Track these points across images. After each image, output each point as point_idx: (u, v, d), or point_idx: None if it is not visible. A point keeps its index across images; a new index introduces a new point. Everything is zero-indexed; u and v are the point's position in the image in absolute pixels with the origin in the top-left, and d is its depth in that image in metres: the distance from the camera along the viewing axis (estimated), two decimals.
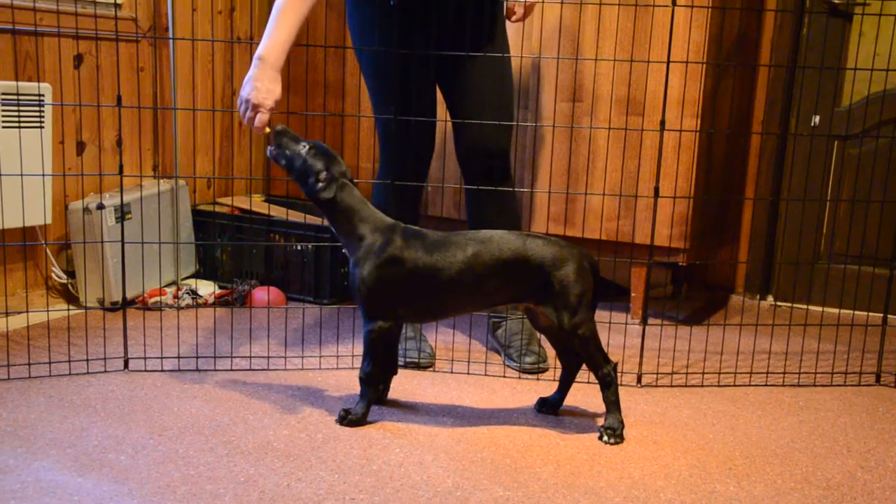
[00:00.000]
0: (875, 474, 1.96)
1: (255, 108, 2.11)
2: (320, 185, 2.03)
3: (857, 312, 2.77)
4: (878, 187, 3.20)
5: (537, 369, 2.49)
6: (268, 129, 2.15)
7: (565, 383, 2.21)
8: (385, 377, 2.21)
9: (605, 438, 2.06)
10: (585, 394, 2.33)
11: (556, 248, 2.03)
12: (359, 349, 2.11)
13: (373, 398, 2.11)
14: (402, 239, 2.04)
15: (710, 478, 1.90)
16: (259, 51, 2.15)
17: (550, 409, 2.21)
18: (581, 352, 2.09)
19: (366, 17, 2.42)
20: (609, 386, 2.08)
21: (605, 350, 2.09)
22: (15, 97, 2.60)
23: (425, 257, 2.02)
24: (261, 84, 2.12)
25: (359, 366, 2.18)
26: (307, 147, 2.06)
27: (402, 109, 2.42)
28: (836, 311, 3.01)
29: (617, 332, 2.76)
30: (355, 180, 2.12)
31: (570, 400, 2.24)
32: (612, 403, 2.09)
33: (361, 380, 2.09)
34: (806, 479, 1.92)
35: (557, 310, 2.03)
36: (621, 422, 2.08)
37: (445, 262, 2.02)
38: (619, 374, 2.46)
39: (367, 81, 2.50)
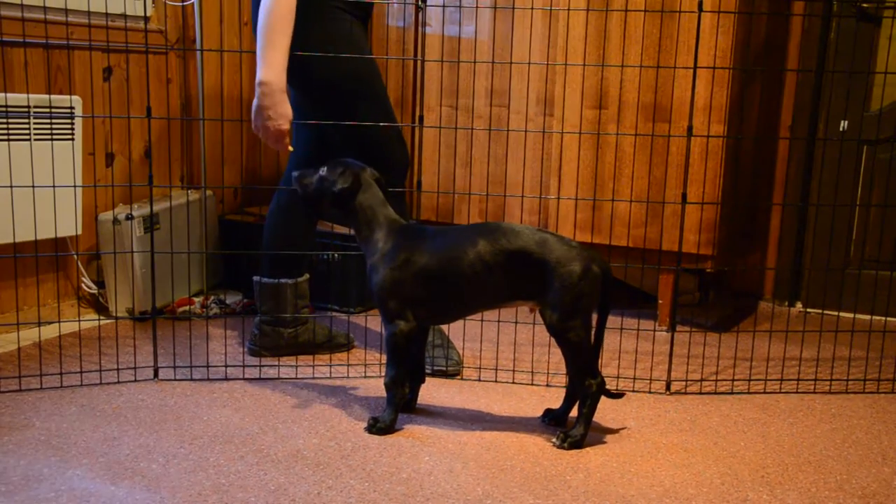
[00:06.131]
0: None
1: (276, 137, 2.18)
2: (337, 180, 2.08)
3: (889, 319, 2.73)
4: None
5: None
6: (291, 148, 2.28)
7: (572, 396, 2.15)
8: (412, 385, 2.22)
9: (556, 441, 2.03)
10: (614, 402, 2.31)
11: (565, 247, 2.00)
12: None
13: (400, 403, 2.12)
14: (414, 240, 2.06)
15: (743, 486, 1.88)
16: (260, 76, 2.16)
17: (556, 422, 2.17)
18: (566, 357, 2.05)
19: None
20: (586, 399, 2.04)
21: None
22: (47, 110, 2.64)
23: (437, 256, 2.04)
24: (273, 112, 2.17)
25: None
26: (324, 168, 2.12)
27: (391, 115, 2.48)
28: (867, 317, 2.97)
29: (645, 340, 2.75)
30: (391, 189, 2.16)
31: (600, 408, 2.22)
32: (585, 417, 2.04)
33: (387, 385, 2.10)
34: (840, 487, 1.89)
35: (551, 308, 2.00)
36: (584, 436, 2.04)
37: (457, 258, 2.02)
38: (648, 382, 2.47)
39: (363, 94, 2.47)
